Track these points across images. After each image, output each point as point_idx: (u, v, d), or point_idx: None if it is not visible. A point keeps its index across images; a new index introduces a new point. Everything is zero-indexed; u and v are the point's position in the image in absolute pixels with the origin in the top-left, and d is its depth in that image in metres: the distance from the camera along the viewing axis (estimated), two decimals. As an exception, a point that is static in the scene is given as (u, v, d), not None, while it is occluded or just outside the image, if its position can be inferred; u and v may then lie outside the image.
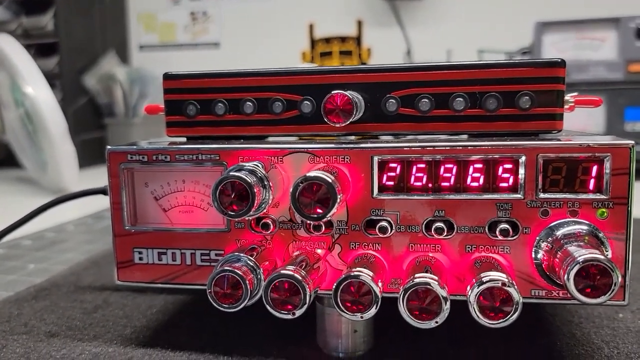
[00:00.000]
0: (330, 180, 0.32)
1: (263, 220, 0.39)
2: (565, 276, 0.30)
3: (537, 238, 0.35)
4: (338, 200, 0.33)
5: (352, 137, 0.40)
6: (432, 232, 0.37)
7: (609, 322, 0.45)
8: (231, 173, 0.34)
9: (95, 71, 1.82)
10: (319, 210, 0.33)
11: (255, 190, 0.34)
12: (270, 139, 0.42)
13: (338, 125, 0.37)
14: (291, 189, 0.33)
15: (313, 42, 1.68)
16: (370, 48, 1.68)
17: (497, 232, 0.36)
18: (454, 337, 0.42)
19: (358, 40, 1.66)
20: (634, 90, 1.22)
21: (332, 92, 0.37)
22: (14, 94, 1.23)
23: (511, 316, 0.31)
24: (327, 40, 1.67)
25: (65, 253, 0.76)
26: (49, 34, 1.78)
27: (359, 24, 1.67)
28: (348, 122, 0.37)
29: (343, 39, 1.65)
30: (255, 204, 0.34)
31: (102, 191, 0.50)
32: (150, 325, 0.46)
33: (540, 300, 0.36)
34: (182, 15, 2.03)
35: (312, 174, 0.33)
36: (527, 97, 0.37)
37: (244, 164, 0.36)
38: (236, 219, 0.38)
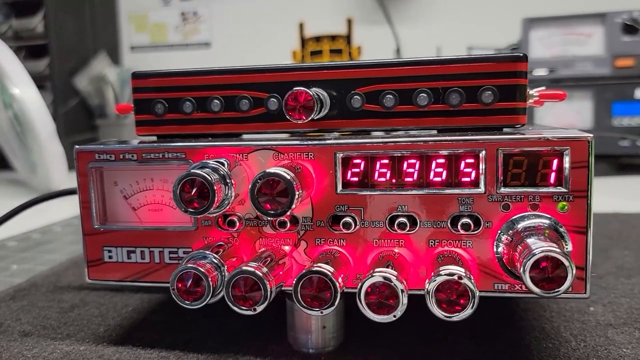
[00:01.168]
0: (288, 177, 0.33)
1: (229, 218, 0.39)
2: (521, 268, 0.31)
3: (499, 232, 0.35)
4: (296, 196, 0.33)
5: (323, 135, 0.41)
6: (396, 227, 0.37)
7: (580, 316, 0.45)
8: (192, 170, 0.34)
9: (86, 72, 1.82)
10: (277, 206, 0.33)
11: (216, 187, 0.34)
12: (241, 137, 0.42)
13: (300, 122, 0.37)
14: (250, 185, 0.33)
15: (303, 41, 1.68)
16: (360, 46, 1.68)
17: (459, 227, 0.36)
18: (423, 333, 0.43)
19: (348, 38, 1.66)
20: (621, 85, 1.22)
21: (293, 88, 0.37)
22: (2, 96, 1.23)
23: (467, 309, 0.31)
24: (318, 39, 1.67)
25: (50, 254, 0.76)
26: (39, 35, 1.78)
27: (349, 22, 1.67)
28: (310, 119, 0.37)
29: (333, 38, 1.65)
30: (216, 201, 0.34)
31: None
32: (124, 323, 0.47)
33: (503, 294, 0.36)
34: (172, 16, 2.03)
35: (270, 170, 0.33)
36: (490, 92, 0.37)
37: (207, 161, 0.36)
38: (199, 216, 0.38)
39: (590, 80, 1.23)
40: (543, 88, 0.43)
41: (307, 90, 0.36)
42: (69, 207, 1.06)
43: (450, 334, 0.42)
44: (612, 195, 1.02)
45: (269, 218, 0.37)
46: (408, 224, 0.37)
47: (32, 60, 1.73)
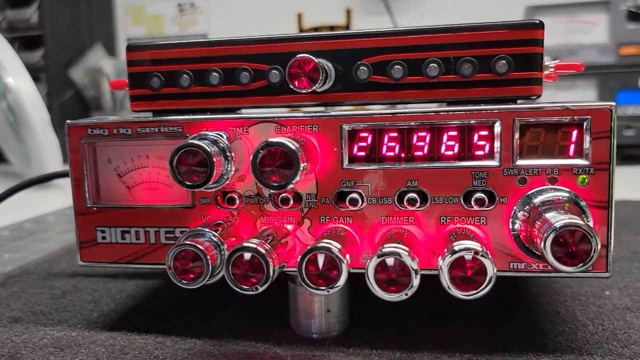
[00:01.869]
0: (293, 147, 0.31)
1: (229, 195, 0.37)
2: (542, 243, 0.29)
3: (515, 208, 0.33)
4: (301, 168, 0.31)
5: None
6: (405, 203, 0.35)
7: (595, 300, 0.43)
8: (190, 141, 0.32)
9: (82, 64, 1.80)
10: (280, 178, 0.31)
11: (215, 160, 0.32)
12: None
13: (304, 92, 0.35)
14: (251, 156, 0.31)
15: (302, 32, 1.66)
16: (360, 37, 1.66)
17: (473, 202, 0.34)
18: (432, 317, 0.41)
19: (347, 29, 1.64)
20: (626, 74, 1.20)
21: (298, 55, 0.35)
22: (-5, 86, 1.20)
23: (484, 288, 0.29)
24: (316, 30, 1.65)
25: (43, 243, 0.74)
26: (33, 26, 1.76)
27: (348, 12, 1.65)
28: (314, 89, 0.35)
29: (332, 28, 1.63)
30: (215, 175, 0.32)
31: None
32: (118, 309, 0.45)
33: (519, 274, 0.34)
34: (169, 7, 2.00)
35: (274, 139, 0.31)
36: (504, 61, 0.35)
37: (206, 133, 0.34)
38: (197, 191, 0.36)
39: (595, 69, 1.21)
40: (557, 60, 0.41)
41: (312, 57, 0.34)
42: (63, 197, 1.04)
43: (460, 318, 0.40)
44: (619, 184, 1.00)
45: (271, 191, 0.35)
46: (418, 200, 0.34)
47: (26, 52, 1.70)
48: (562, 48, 1.23)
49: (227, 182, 0.34)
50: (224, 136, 0.35)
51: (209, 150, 0.31)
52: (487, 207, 0.34)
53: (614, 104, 0.32)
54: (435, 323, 0.40)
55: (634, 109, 1.21)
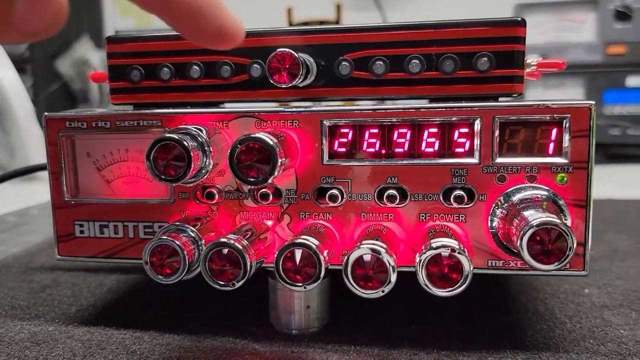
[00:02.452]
0: (271, 142, 0.30)
1: (208, 190, 0.37)
2: (519, 241, 0.29)
3: (493, 205, 0.33)
4: (279, 163, 0.31)
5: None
6: (385, 200, 0.35)
7: (574, 298, 0.43)
8: (168, 135, 0.32)
9: (69, 56, 1.77)
10: (258, 173, 0.30)
11: (193, 154, 0.31)
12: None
13: (284, 86, 0.35)
14: (229, 150, 0.31)
15: (291, 26, 1.65)
16: (350, 32, 1.65)
17: (452, 200, 0.34)
18: (412, 314, 0.41)
19: (337, 24, 1.63)
20: (613, 73, 1.21)
21: (278, 50, 0.34)
22: (-21, 77, 1.19)
23: (460, 285, 0.29)
24: (306, 24, 1.64)
25: (25, 236, 0.73)
26: (20, 17, 1.73)
27: (338, 7, 1.64)
28: (294, 84, 0.35)
29: (322, 23, 1.62)
30: (192, 169, 0.31)
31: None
32: (97, 304, 0.44)
33: (497, 271, 0.34)
34: (159, -1, 1.98)
35: (251, 134, 0.31)
36: (486, 59, 0.35)
37: (185, 126, 0.34)
38: (174, 185, 0.36)
39: (582, 68, 1.21)
40: (540, 58, 0.41)
41: (292, 52, 0.34)
42: (47, 190, 1.03)
43: (440, 315, 0.40)
44: (604, 183, 1.01)
45: (249, 186, 0.35)
46: (398, 197, 0.34)
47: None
48: (550, 46, 1.23)
49: (206, 176, 0.34)
50: (204, 130, 0.35)
51: (187, 144, 0.31)
52: (466, 204, 0.34)
53: (593, 102, 0.33)
54: (414, 320, 0.40)
55: (621, 108, 1.21)
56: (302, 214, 0.36)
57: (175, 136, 0.31)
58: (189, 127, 0.33)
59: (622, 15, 1.19)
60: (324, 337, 0.37)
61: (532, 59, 0.39)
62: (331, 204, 0.35)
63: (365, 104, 0.37)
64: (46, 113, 0.39)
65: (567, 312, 0.41)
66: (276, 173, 0.31)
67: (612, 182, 1.02)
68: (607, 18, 1.20)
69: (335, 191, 0.35)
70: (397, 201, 0.34)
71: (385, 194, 0.35)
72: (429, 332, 0.38)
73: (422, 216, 0.35)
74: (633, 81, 1.21)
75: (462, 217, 0.34)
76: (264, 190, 0.36)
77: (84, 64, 1.77)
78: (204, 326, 0.39)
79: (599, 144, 1.22)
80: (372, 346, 0.36)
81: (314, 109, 0.35)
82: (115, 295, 0.46)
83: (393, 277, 0.30)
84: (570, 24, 1.23)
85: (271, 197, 0.36)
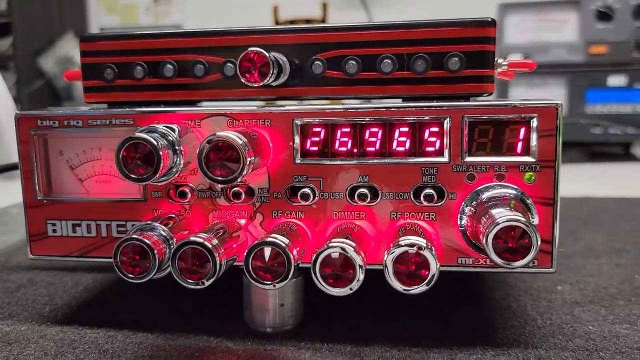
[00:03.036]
0: (239, 141, 0.30)
1: (181, 189, 0.37)
2: (484, 239, 0.29)
3: (463, 203, 0.34)
4: (248, 162, 0.31)
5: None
6: (356, 198, 0.35)
7: (547, 295, 0.44)
8: (137, 134, 0.32)
9: (52, 53, 1.76)
10: (226, 172, 0.31)
11: (162, 153, 0.31)
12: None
13: (255, 85, 0.35)
14: (197, 149, 0.31)
15: (278, 24, 1.65)
16: (335, 31, 1.66)
17: (422, 198, 0.34)
18: (385, 311, 0.41)
19: (323, 22, 1.63)
20: (594, 72, 1.22)
21: (248, 49, 0.34)
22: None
23: (427, 283, 0.30)
24: (292, 23, 1.64)
25: (4, 236, 0.72)
26: (2, 13, 1.71)
27: (324, 6, 1.65)
28: (266, 83, 0.35)
29: (308, 21, 1.63)
30: (162, 168, 0.31)
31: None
32: (72, 303, 0.44)
33: (467, 269, 0.34)
34: (144, -4, 1.97)
35: (220, 133, 0.31)
36: (456, 58, 0.35)
37: (155, 125, 0.34)
38: (145, 184, 0.36)
39: (564, 67, 1.23)
40: (511, 58, 0.41)
41: (262, 51, 0.34)
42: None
43: (414, 312, 0.41)
44: (584, 181, 1.02)
45: (218, 186, 0.35)
46: (369, 196, 0.35)
47: (-5, 40, 1.66)
48: (532, 46, 1.24)
49: (178, 175, 0.34)
50: (175, 130, 0.35)
51: (156, 143, 0.31)
52: (436, 202, 0.34)
53: (560, 102, 0.33)
54: (387, 318, 0.40)
55: (602, 107, 1.23)
56: (275, 213, 0.36)
57: (144, 135, 0.31)
58: (158, 126, 0.33)
59: (604, 15, 1.21)
60: (297, 335, 0.37)
61: (502, 59, 0.40)
62: (303, 203, 0.35)
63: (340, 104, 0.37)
64: (17, 112, 0.39)
65: (539, 308, 0.41)
66: (245, 172, 0.31)
67: (591, 181, 1.03)
68: (589, 18, 1.22)
69: (307, 190, 0.35)
70: (369, 200, 0.35)
71: (357, 193, 0.35)
72: (401, 329, 0.38)
73: (393, 214, 0.35)
74: (614, 80, 1.22)
75: (432, 215, 0.34)
76: (236, 188, 0.36)
77: (68, 62, 1.75)
78: (179, 324, 0.39)
79: (581, 142, 1.24)
80: (344, 344, 0.36)
81: (285, 108, 0.35)
82: (90, 294, 0.46)
83: (361, 275, 0.30)
84: (552, 24, 1.24)
85: (243, 195, 0.36)
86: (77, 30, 1.92)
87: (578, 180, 1.01)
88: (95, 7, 2.01)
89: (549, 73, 1.23)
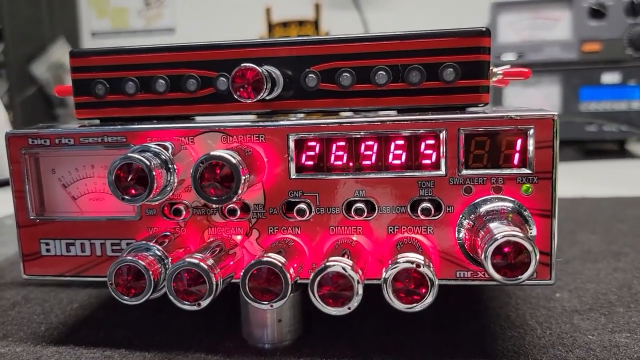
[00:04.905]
0: (233, 160, 0.30)
1: (175, 206, 0.36)
2: (483, 254, 0.29)
3: (460, 216, 0.33)
4: (242, 181, 0.30)
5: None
6: (353, 213, 0.35)
7: (546, 303, 0.44)
8: (129, 154, 0.31)
9: (44, 59, 1.75)
10: (221, 192, 0.30)
11: (155, 173, 0.31)
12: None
13: (249, 101, 0.35)
14: (192, 170, 0.30)
15: (270, 27, 1.65)
16: (328, 32, 1.65)
17: (419, 212, 0.34)
18: (385, 325, 0.41)
19: (316, 24, 1.63)
20: (588, 70, 1.22)
21: (241, 65, 0.34)
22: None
23: (426, 299, 0.29)
24: (285, 25, 1.64)
25: (-1, 248, 0.72)
26: (-7, 20, 1.70)
27: (317, 7, 1.64)
28: (260, 98, 0.35)
29: (301, 23, 1.62)
30: (155, 188, 0.31)
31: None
32: (67, 321, 0.43)
33: (466, 282, 0.34)
34: (135, 0, 1.96)
35: (214, 152, 0.30)
36: (451, 69, 0.35)
37: (148, 144, 0.33)
38: (138, 204, 0.35)
39: (558, 65, 1.22)
40: (507, 66, 0.41)
41: (255, 67, 0.34)
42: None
43: (414, 325, 0.40)
44: (580, 180, 1.02)
45: (213, 205, 0.35)
46: (366, 210, 0.34)
47: (-15, 47, 1.65)
48: (526, 44, 1.24)
49: (172, 193, 0.34)
50: (169, 147, 0.34)
51: (148, 163, 0.31)
52: (433, 216, 0.34)
53: (556, 113, 0.33)
54: (387, 331, 0.40)
55: (596, 105, 1.23)
56: (271, 229, 0.36)
57: (137, 155, 0.31)
58: (151, 144, 0.33)
59: (597, 13, 1.21)
60: (296, 351, 0.37)
61: (498, 69, 0.39)
62: (299, 218, 0.35)
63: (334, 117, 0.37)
64: (7, 131, 0.38)
65: (538, 317, 0.41)
66: (240, 191, 0.30)
67: (587, 179, 1.03)
68: (582, 16, 1.22)
69: (303, 205, 0.35)
70: (365, 214, 0.34)
71: (354, 207, 0.34)
72: (401, 342, 0.38)
73: (391, 229, 0.35)
74: (608, 78, 1.22)
75: (430, 228, 0.34)
76: (231, 205, 0.35)
77: (60, 68, 1.74)
78: (176, 341, 0.39)
79: (576, 140, 1.24)
80: (344, 358, 0.36)
81: (280, 123, 0.35)
82: (86, 311, 0.45)
83: (359, 294, 0.30)
84: (545, 22, 1.24)
85: (239, 212, 0.36)
86: (69, 35, 1.90)
87: (573, 180, 1.01)
88: (87, 12, 2.00)
89: (542, 71, 1.23)
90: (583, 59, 1.22)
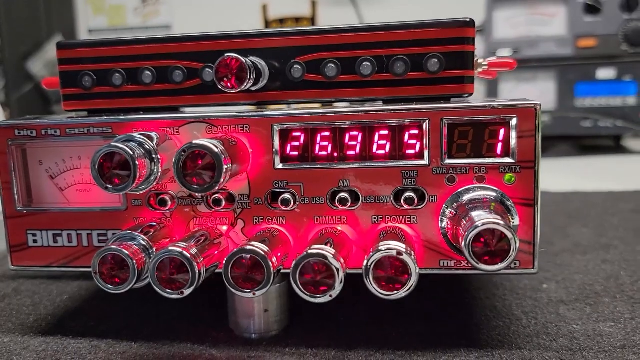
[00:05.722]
0: (215, 149, 0.30)
1: (161, 197, 0.36)
2: (463, 242, 0.29)
3: (443, 206, 0.34)
4: (224, 170, 0.30)
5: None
6: (337, 203, 0.35)
7: (532, 293, 0.44)
8: (112, 144, 0.31)
9: (41, 56, 1.75)
10: (202, 181, 0.30)
11: (139, 162, 0.31)
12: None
13: (233, 91, 0.35)
14: (174, 158, 0.31)
15: (267, 23, 1.65)
16: (325, 28, 1.65)
17: (403, 202, 0.34)
18: (372, 314, 0.41)
19: (312, 20, 1.63)
20: (583, 66, 1.22)
21: (224, 55, 0.34)
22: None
23: (407, 287, 0.29)
24: (282, 21, 1.64)
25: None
26: (-11, 17, 1.70)
27: (313, 4, 1.64)
28: (244, 88, 0.35)
29: (297, 20, 1.62)
30: (138, 177, 0.31)
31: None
32: (56, 313, 0.44)
33: (449, 271, 0.34)
34: (132, -3, 1.96)
35: (196, 141, 0.31)
36: (436, 60, 0.35)
37: (132, 134, 0.34)
38: (123, 194, 0.35)
39: (554, 61, 1.22)
40: (494, 58, 0.41)
41: (238, 56, 0.34)
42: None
43: (400, 315, 0.40)
44: (575, 175, 1.02)
45: (196, 194, 0.35)
46: (350, 200, 0.35)
47: (-18, 44, 1.65)
48: (522, 40, 1.24)
49: (157, 183, 0.34)
50: (154, 138, 0.34)
51: (131, 153, 0.31)
52: (417, 206, 0.34)
53: (539, 103, 0.33)
54: (372, 320, 0.40)
55: (592, 100, 1.23)
56: (256, 219, 0.36)
57: (120, 145, 0.31)
58: (135, 134, 0.33)
59: (592, 8, 1.21)
60: (282, 341, 0.37)
61: (482, 59, 0.39)
62: (284, 208, 0.35)
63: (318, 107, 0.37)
64: (-6, 122, 0.38)
65: (524, 308, 0.41)
66: (222, 180, 0.31)
67: (581, 174, 1.03)
68: (577, 11, 1.22)
69: (287, 195, 0.35)
70: (350, 204, 0.35)
71: (338, 197, 0.35)
72: (386, 332, 0.38)
73: (374, 218, 0.35)
74: (603, 74, 1.22)
75: (413, 218, 0.34)
76: (216, 195, 0.35)
77: (57, 65, 1.74)
78: (163, 332, 0.39)
79: (571, 136, 1.24)
80: (329, 348, 0.36)
81: (264, 113, 0.35)
82: (75, 303, 0.46)
83: (340, 283, 0.30)
84: (541, 18, 1.24)
85: (224, 202, 0.36)
86: (66, 32, 1.90)
87: (568, 175, 1.01)
88: (83, 9, 2.00)
89: (538, 67, 1.23)
90: (578, 54, 1.22)
